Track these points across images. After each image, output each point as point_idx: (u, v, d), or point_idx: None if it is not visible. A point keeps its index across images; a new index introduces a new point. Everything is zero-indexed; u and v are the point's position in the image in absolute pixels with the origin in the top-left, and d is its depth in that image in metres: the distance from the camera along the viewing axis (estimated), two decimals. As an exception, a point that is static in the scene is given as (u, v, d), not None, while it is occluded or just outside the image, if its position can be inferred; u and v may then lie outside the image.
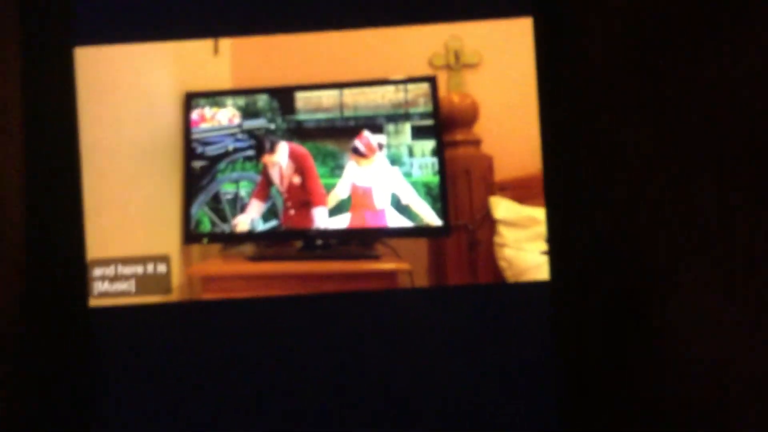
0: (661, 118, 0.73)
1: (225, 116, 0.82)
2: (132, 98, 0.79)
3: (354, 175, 0.80)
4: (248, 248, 0.82)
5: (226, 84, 0.82)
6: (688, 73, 0.72)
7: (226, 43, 0.80)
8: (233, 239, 0.81)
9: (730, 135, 0.70)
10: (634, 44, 0.74)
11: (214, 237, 0.81)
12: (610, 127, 0.75)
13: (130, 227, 0.78)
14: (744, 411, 0.70)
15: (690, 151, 0.73)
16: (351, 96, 0.80)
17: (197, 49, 0.80)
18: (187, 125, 0.82)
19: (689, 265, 0.73)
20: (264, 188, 0.82)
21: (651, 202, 0.74)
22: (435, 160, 0.79)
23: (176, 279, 0.80)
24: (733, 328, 0.71)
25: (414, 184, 0.79)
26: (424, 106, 0.79)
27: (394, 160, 0.79)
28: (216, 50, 0.80)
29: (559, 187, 0.76)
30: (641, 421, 0.72)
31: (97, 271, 0.76)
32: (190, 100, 0.82)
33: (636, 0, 0.73)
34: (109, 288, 0.77)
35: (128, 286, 0.77)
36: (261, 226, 0.81)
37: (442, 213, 0.78)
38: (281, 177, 0.81)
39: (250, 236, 0.81)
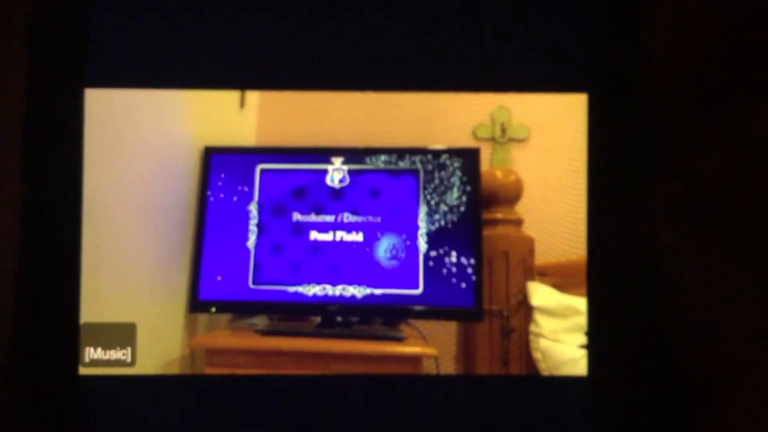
0: (718, 213, 0.68)
1: (246, 175, 0.75)
2: (145, 149, 0.73)
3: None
4: (260, 321, 0.74)
5: (250, 141, 0.75)
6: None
7: (253, 97, 0.74)
8: (244, 310, 0.74)
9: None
10: (693, 135, 0.69)
11: (223, 306, 0.73)
12: (662, 218, 0.69)
13: (132, 291, 0.71)
14: None
15: (745, 251, 0.68)
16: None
17: (221, 100, 0.74)
18: (203, 182, 0.75)
19: (739, 370, 0.67)
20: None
21: (703, 300, 0.68)
22: (471, 237, 0.73)
23: (178, 350, 0.72)
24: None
25: (447, 263, 0.73)
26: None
27: (427, 235, 0.73)
28: (242, 104, 0.74)
29: (604, 277, 0.71)
30: None
31: (90, 337, 0.69)
32: (209, 156, 0.75)
33: (698, 85, 0.69)
34: (102, 356, 0.70)
35: (124, 355, 0.70)
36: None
37: (476, 295, 0.72)
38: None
39: (263, 307, 0.74)
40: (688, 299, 0.68)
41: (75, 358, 0.70)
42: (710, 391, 0.67)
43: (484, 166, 0.74)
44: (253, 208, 0.74)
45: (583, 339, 0.71)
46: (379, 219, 0.74)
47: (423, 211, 0.73)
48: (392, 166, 0.74)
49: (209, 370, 0.72)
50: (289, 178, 0.75)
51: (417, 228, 0.73)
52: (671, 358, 0.69)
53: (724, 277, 0.67)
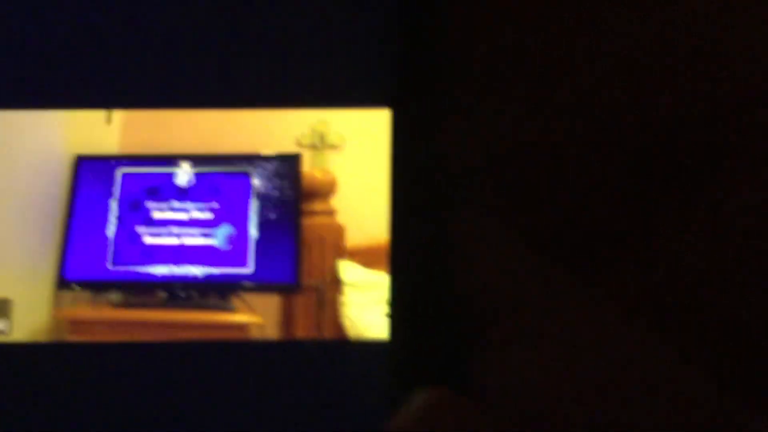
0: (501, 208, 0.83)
1: (110, 177, 0.91)
2: (23, 158, 0.88)
3: (219, 235, 0.89)
4: (116, 297, 0.89)
5: (114, 150, 0.91)
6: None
7: (118, 114, 0.90)
8: (103, 288, 0.88)
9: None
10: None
11: (85, 285, 0.88)
12: (452, 209, 0.84)
13: (8, 273, 0.86)
14: None
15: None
16: (224, 166, 0.90)
17: (91, 117, 0.90)
18: (73, 184, 0.90)
19: (516, 331, 0.80)
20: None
21: (488, 270, 0.82)
22: (293, 226, 0.88)
23: (47, 322, 0.86)
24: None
25: (273, 247, 0.88)
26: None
27: (257, 224, 0.89)
28: (109, 119, 0.90)
29: (402, 256, 0.85)
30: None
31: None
32: (79, 162, 0.91)
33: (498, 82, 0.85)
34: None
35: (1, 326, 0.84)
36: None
37: (296, 273, 0.87)
38: (154, 234, 0.90)
39: (118, 285, 0.88)
40: (474, 268, 0.82)
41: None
42: (489, 337, 0.80)
43: (306, 168, 0.90)
44: (113, 204, 0.90)
45: (386, 309, 0.85)
46: (219, 211, 0.89)
47: (254, 205, 0.89)
48: (230, 169, 0.90)
49: (71, 338, 0.86)
50: (144, 179, 0.90)
51: (249, 219, 0.88)
52: (458, 318, 0.82)
53: (505, 250, 0.82)
